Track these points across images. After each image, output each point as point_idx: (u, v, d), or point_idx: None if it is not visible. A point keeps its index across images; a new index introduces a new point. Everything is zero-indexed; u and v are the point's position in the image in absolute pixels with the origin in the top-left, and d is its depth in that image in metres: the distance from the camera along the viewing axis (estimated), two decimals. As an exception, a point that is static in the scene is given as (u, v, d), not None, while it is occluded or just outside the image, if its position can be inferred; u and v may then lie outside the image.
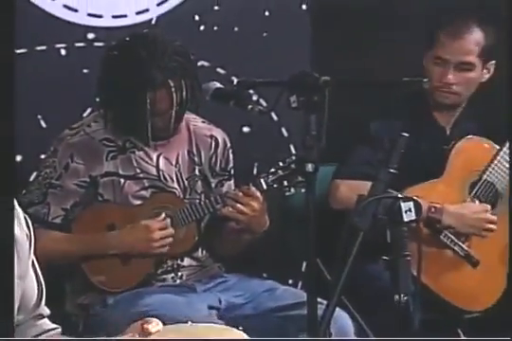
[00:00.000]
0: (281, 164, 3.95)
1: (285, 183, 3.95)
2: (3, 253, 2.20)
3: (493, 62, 4.56)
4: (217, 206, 4.02)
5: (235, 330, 2.82)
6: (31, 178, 4.07)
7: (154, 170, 4.07)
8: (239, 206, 3.94)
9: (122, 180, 4.02)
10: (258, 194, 3.94)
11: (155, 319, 2.51)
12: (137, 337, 2.49)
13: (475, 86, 4.57)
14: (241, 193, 3.96)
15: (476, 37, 4.48)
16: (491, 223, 4.39)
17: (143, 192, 4.04)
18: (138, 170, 4.05)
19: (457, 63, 4.45)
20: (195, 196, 4.15)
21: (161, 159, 4.10)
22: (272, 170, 3.97)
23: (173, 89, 3.88)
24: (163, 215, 3.98)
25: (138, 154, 4.06)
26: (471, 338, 2.71)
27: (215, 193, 4.17)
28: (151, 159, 4.08)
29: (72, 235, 3.97)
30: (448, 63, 4.47)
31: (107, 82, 3.97)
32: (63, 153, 3.95)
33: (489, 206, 4.45)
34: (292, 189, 3.98)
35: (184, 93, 3.91)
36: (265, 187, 3.97)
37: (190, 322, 2.82)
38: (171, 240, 3.96)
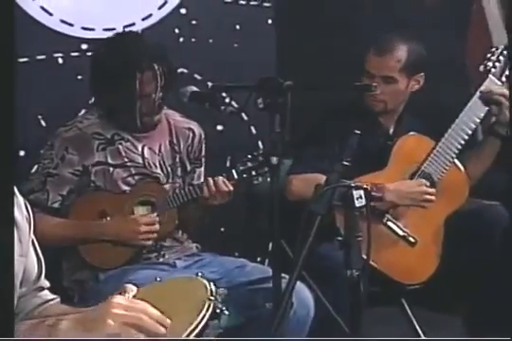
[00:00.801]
0: (249, 156, 3.97)
1: (254, 173, 3.97)
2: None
3: (421, 74, 4.58)
4: (195, 196, 4.05)
5: (199, 278, 2.80)
6: (33, 170, 4.06)
7: (139, 159, 4.12)
8: (214, 193, 3.98)
9: (112, 168, 4.06)
10: (229, 185, 3.99)
11: (128, 285, 2.53)
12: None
13: (403, 95, 4.61)
14: (219, 182, 4.00)
15: (398, 54, 4.51)
16: (429, 194, 4.41)
17: (130, 179, 4.08)
18: (126, 159, 4.09)
19: (382, 77, 4.47)
20: (176, 180, 4.22)
21: (146, 149, 4.14)
22: (242, 161, 4.01)
23: (158, 72, 3.92)
24: (154, 214, 4.04)
25: (125, 145, 4.09)
26: (471, 338, 2.59)
27: (190, 179, 4.27)
28: (136, 149, 4.12)
29: (69, 221, 4.00)
30: (374, 77, 4.50)
31: (99, 72, 4.02)
32: (59, 146, 3.98)
33: (424, 181, 4.46)
34: (260, 179, 4.00)
35: (167, 77, 3.96)
36: (236, 176, 4.01)
37: (158, 278, 2.80)
38: (155, 235, 4.02)
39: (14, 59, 2.29)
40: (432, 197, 4.42)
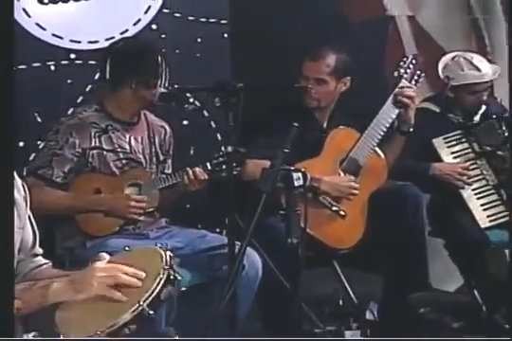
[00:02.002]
0: (221, 153, 3.97)
1: (223, 166, 3.93)
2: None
3: (348, 77, 4.59)
4: (175, 181, 4.07)
5: (158, 249, 2.80)
6: (39, 151, 4.11)
7: (127, 146, 4.12)
8: (193, 180, 4.00)
9: (105, 152, 4.05)
10: (205, 174, 4.02)
11: (101, 254, 2.55)
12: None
13: (333, 95, 4.61)
14: (197, 172, 4.01)
15: (328, 61, 4.52)
16: (354, 189, 4.43)
17: (118, 162, 4.08)
18: (116, 146, 4.09)
19: (315, 79, 4.49)
20: (153, 167, 4.21)
21: (132, 139, 4.15)
22: (215, 156, 4.02)
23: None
24: (144, 197, 4.03)
25: (116, 134, 4.10)
26: (471, 338, 2.54)
27: (162, 168, 4.28)
28: (125, 138, 4.13)
29: (69, 193, 3.98)
30: (309, 79, 4.52)
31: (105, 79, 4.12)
32: (64, 131, 3.99)
33: (353, 177, 4.47)
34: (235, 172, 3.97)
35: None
36: (209, 168, 4.03)
37: (126, 247, 2.80)
38: (141, 211, 4.02)
39: (14, 66, 2.29)
40: (356, 191, 4.45)
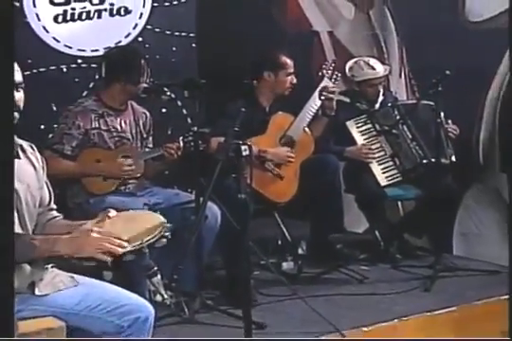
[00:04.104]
0: (191, 133, 3.87)
1: (193, 143, 3.87)
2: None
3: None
4: (156, 154, 4.02)
5: (154, 213, 2.80)
6: (54, 132, 4.03)
7: (118, 127, 4.05)
8: (173, 152, 3.94)
9: (102, 131, 3.98)
10: (178, 148, 3.96)
11: (111, 209, 2.50)
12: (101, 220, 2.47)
13: (274, 88, 4.53)
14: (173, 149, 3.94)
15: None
16: (291, 157, 4.39)
17: (112, 139, 4.01)
18: (111, 127, 4.01)
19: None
20: (138, 142, 4.14)
21: (122, 121, 4.07)
22: (186, 135, 3.93)
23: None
24: (131, 167, 3.96)
25: (110, 118, 4.02)
26: (471, 338, 2.44)
27: (145, 144, 4.21)
28: (116, 121, 4.05)
29: (77, 163, 3.90)
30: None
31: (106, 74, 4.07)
32: (71, 116, 3.93)
33: (290, 149, 4.42)
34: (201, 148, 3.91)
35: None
36: (182, 144, 3.94)
37: (130, 210, 2.81)
38: (131, 172, 3.95)
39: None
40: (292, 159, 4.40)
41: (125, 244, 2.39)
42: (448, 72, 4.33)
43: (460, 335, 3.82)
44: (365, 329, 3.57)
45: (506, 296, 3.99)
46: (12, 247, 1.93)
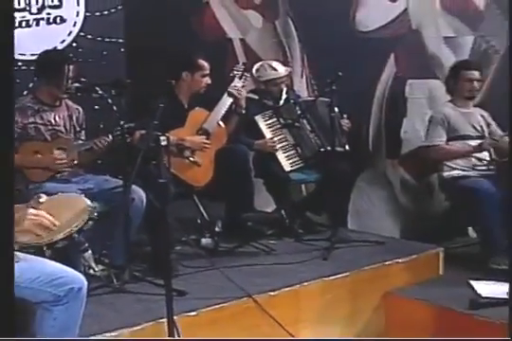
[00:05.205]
0: (119, 127, 3.78)
1: (121, 137, 3.79)
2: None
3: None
4: (88, 145, 3.95)
5: (82, 197, 2.75)
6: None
7: (53, 121, 3.96)
8: (101, 145, 3.91)
9: (39, 125, 3.90)
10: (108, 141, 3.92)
11: (41, 195, 2.45)
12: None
13: (191, 87, 4.49)
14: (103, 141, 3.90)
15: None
16: (206, 144, 4.37)
17: (48, 132, 3.93)
18: (46, 121, 3.94)
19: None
20: (72, 135, 4.06)
21: (56, 116, 3.99)
22: (115, 129, 3.85)
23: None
24: (63, 155, 3.89)
25: (46, 113, 3.95)
26: (471, 338, 2.36)
27: (79, 136, 4.12)
28: (51, 116, 3.96)
29: (18, 155, 3.74)
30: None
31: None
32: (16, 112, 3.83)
33: (205, 137, 4.40)
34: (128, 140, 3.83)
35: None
36: (111, 137, 3.89)
37: (59, 193, 2.73)
38: (66, 162, 3.89)
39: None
40: (208, 146, 4.38)
41: (57, 223, 2.36)
42: (340, 73, 4.36)
43: (351, 295, 3.88)
44: (272, 293, 3.58)
45: (390, 262, 4.10)
46: (12, 248, 1.87)
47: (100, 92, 3.83)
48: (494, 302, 3.62)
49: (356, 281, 3.91)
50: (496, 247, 4.23)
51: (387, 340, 3.56)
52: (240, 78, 4.54)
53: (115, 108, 4.66)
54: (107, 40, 4.94)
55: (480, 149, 4.49)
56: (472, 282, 3.86)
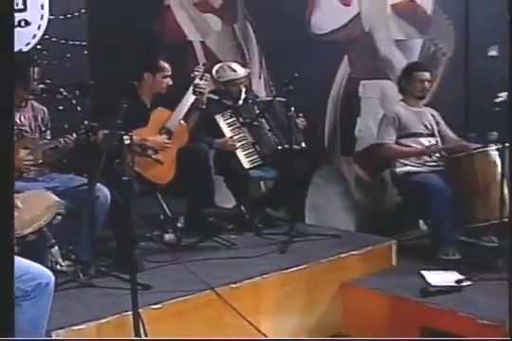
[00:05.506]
0: (83, 126, 3.73)
1: (85, 135, 3.73)
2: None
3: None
4: (53, 145, 3.88)
5: (50, 193, 2.72)
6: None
7: (18, 121, 3.90)
8: (65, 144, 3.83)
9: None
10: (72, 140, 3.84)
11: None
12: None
13: (153, 88, 4.46)
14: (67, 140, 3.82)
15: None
16: (168, 144, 4.35)
17: (16, 131, 3.84)
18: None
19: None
20: (36, 135, 4.00)
21: (22, 117, 3.94)
22: (80, 128, 3.78)
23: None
24: (31, 157, 3.82)
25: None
26: (471, 338, 2.33)
27: (44, 136, 4.07)
28: (17, 116, 3.90)
29: None
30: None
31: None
32: None
33: (167, 137, 4.36)
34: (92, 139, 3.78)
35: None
36: (75, 136, 3.82)
37: (26, 191, 2.71)
38: (31, 162, 3.80)
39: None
40: (169, 145, 4.35)
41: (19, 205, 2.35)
42: (296, 74, 4.39)
43: (309, 286, 3.92)
44: (233, 285, 3.59)
45: (346, 254, 4.14)
46: (12, 250, 1.84)
47: (64, 93, 3.79)
48: (443, 290, 3.70)
49: (314, 273, 3.94)
50: (445, 239, 4.31)
51: (388, 340, 3.57)
52: (200, 78, 4.54)
53: (79, 108, 4.70)
54: (71, 42, 4.90)
55: (425, 153, 4.56)
56: (423, 272, 3.93)
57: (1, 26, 1.89)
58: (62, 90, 3.92)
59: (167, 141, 4.36)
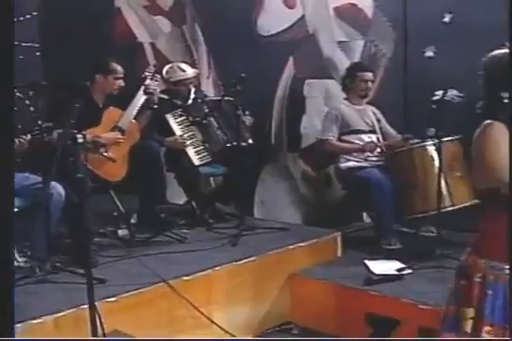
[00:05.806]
0: (37, 127, 3.65)
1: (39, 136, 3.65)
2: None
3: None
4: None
5: None
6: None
7: None
8: (20, 144, 3.69)
9: None
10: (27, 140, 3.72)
11: None
12: None
13: (105, 89, 4.42)
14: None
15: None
16: (120, 140, 4.31)
17: None
18: None
19: None
20: None
21: None
22: (33, 129, 3.68)
23: None
24: None
25: None
26: (471, 338, 2.30)
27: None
28: None
29: None
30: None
31: None
32: None
33: (120, 133, 4.34)
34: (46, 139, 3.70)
35: None
36: (30, 136, 3.69)
37: None
38: None
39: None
40: (122, 140, 4.33)
41: None
42: (243, 75, 4.42)
43: (258, 277, 3.96)
44: (186, 278, 3.61)
45: (293, 246, 4.19)
46: (12, 250, 1.78)
47: (17, 94, 3.76)
48: (386, 278, 3.78)
49: (263, 265, 3.98)
50: (387, 230, 4.40)
51: (389, 340, 3.59)
52: (151, 79, 4.54)
53: (32, 109, 4.68)
54: (23, 44, 4.86)
55: (363, 150, 4.64)
56: (367, 262, 4.00)
57: (2, 26, 1.88)
58: (15, 91, 3.89)
59: (120, 136, 4.33)
